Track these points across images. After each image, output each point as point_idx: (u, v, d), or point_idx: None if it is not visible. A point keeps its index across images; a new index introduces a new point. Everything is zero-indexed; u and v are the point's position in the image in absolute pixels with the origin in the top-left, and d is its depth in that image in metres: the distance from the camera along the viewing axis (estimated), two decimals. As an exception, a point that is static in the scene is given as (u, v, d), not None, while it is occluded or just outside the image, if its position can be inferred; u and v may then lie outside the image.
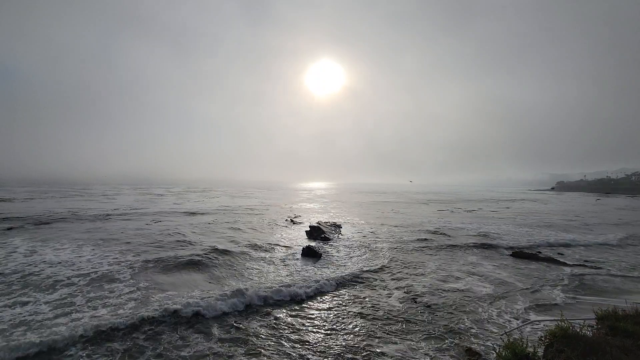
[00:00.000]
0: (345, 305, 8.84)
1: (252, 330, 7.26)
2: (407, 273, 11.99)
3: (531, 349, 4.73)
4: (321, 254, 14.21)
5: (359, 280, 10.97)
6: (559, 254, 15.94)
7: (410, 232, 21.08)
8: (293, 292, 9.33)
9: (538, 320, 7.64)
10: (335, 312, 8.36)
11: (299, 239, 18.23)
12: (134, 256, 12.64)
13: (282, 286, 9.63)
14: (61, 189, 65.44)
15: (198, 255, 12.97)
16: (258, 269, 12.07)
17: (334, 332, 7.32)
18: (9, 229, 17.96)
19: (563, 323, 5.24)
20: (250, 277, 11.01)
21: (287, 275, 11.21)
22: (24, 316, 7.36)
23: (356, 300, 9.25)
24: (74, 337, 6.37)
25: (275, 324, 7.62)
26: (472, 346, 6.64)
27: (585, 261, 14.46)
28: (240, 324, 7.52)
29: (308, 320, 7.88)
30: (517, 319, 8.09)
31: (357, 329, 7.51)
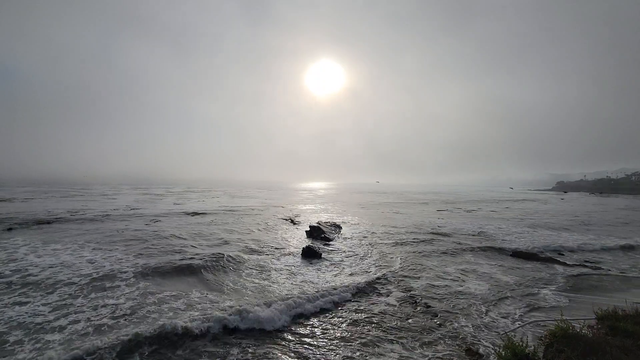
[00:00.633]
0: (347, 318, 8.25)
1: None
2: (407, 273, 11.99)
3: (531, 349, 4.73)
4: (321, 254, 14.21)
5: (360, 286, 10.29)
6: (559, 254, 15.95)
7: (410, 232, 21.08)
8: (297, 313, 8.15)
9: (538, 321, 7.65)
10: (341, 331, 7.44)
11: (299, 239, 18.24)
12: (133, 259, 12.29)
13: (283, 302, 8.37)
14: (61, 189, 65.42)
15: (197, 258, 12.66)
16: (257, 273, 11.72)
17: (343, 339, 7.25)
18: (9, 229, 17.96)
19: (563, 323, 5.25)
20: (249, 284, 10.47)
21: (286, 281, 10.82)
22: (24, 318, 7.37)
23: (359, 309, 8.99)
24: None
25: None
26: (472, 346, 6.65)
27: (585, 261, 14.47)
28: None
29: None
30: (517, 319, 8.10)
31: (362, 333, 7.51)
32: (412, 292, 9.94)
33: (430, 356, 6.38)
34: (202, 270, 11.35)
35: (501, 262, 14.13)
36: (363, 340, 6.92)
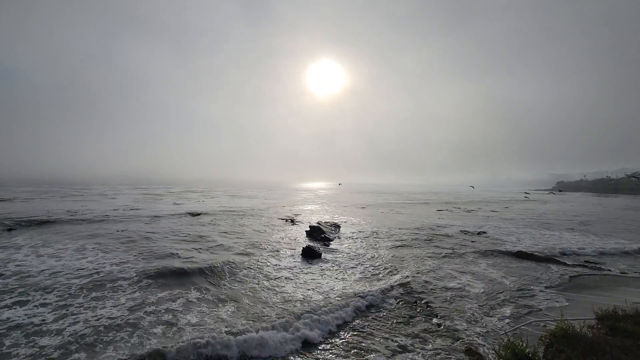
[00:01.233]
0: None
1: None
2: (407, 272, 11.98)
3: (531, 349, 4.73)
4: (321, 254, 14.22)
5: (360, 293, 9.63)
6: (562, 254, 15.92)
7: (410, 233, 21.08)
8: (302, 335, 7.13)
9: (538, 320, 7.64)
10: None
11: (299, 239, 18.23)
12: (132, 265, 11.58)
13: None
14: (61, 188, 65.43)
15: (196, 261, 12.56)
16: (257, 277, 11.33)
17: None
18: (10, 229, 17.96)
19: (563, 323, 5.24)
20: (249, 291, 9.77)
21: (287, 285, 10.50)
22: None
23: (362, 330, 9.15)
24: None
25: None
26: (472, 346, 6.64)
27: (586, 261, 14.46)
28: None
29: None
30: (517, 319, 8.09)
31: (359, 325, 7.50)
32: (412, 292, 9.93)
33: (429, 355, 6.39)
34: (200, 274, 10.88)
35: (501, 262, 14.12)
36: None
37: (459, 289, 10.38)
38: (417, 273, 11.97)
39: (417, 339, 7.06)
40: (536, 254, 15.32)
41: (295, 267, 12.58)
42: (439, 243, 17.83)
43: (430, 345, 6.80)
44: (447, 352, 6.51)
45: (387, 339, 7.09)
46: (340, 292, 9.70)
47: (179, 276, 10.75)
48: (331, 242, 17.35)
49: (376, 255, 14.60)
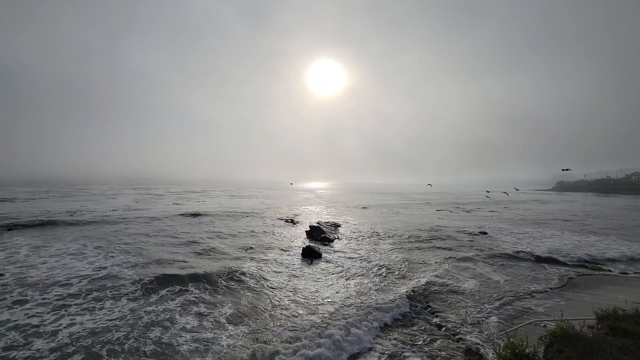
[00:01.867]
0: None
1: None
2: (406, 273, 11.98)
3: (531, 349, 4.72)
4: (321, 254, 14.22)
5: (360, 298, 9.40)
6: (561, 254, 15.91)
7: (410, 233, 21.07)
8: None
9: (538, 320, 7.64)
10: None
11: (299, 239, 18.23)
12: (130, 271, 11.04)
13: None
14: (62, 188, 65.46)
15: (194, 263, 12.49)
16: (257, 280, 11.11)
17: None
18: (10, 229, 17.98)
19: (563, 323, 5.24)
20: (250, 298, 9.22)
21: (287, 289, 10.23)
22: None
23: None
24: None
25: None
26: (472, 346, 6.64)
27: (585, 261, 14.46)
28: None
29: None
30: (517, 319, 8.09)
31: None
32: (412, 292, 9.93)
33: (430, 356, 6.38)
34: (198, 281, 10.32)
35: (500, 262, 14.11)
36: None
37: (459, 289, 10.37)
38: (418, 272, 11.97)
39: (417, 340, 7.05)
40: (536, 254, 15.32)
41: (296, 268, 12.57)
42: (439, 243, 17.82)
43: (430, 345, 6.80)
44: (447, 352, 6.50)
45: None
46: (345, 300, 9.37)
47: (177, 283, 10.12)
48: (331, 242, 17.35)
49: (376, 256, 14.58)
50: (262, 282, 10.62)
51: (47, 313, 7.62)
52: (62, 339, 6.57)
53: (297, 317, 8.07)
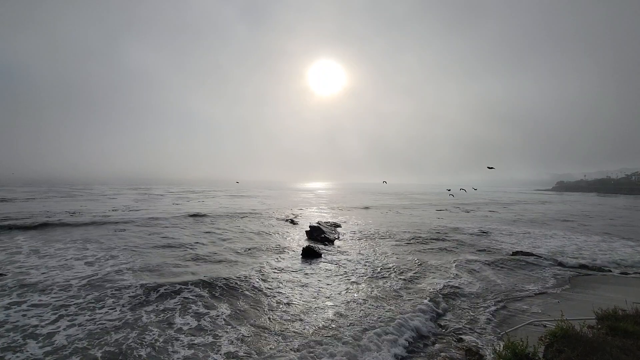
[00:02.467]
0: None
1: None
2: (406, 273, 11.99)
3: (531, 349, 4.73)
4: (321, 254, 14.24)
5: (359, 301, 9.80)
6: (561, 254, 15.92)
7: (409, 232, 21.07)
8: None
9: (538, 321, 7.64)
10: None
11: (299, 239, 18.24)
12: (130, 275, 10.68)
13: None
14: (62, 189, 65.44)
15: (193, 266, 12.37)
16: (257, 283, 10.75)
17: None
18: (10, 229, 17.99)
19: (563, 323, 5.24)
20: (251, 307, 8.69)
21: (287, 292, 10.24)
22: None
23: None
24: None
25: None
26: (472, 346, 6.65)
27: (585, 262, 14.45)
28: None
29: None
30: (517, 319, 8.09)
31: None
32: (412, 290, 9.93)
33: (430, 356, 6.39)
34: (197, 286, 9.84)
35: (500, 262, 14.10)
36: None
37: (459, 289, 10.37)
38: (418, 272, 11.97)
39: (417, 339, 7.05)
40: (536, 254, 15.32)
41: (296, 268, 12.56)
42: (439, 244, 17.83)
43: (430, 346, 6.81)
44: (447, 353, 6.50)
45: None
46: (348, 305, 9.26)
47: (176, 284, 9.88)
48: (331, 243, 17.35)
49: (376, 256, 14.59)
50: (262, 283, 10.60)
51: (47, 314, 7.62)
52: (58, 340, 6.53)
53: (295, 322, 7.84)
